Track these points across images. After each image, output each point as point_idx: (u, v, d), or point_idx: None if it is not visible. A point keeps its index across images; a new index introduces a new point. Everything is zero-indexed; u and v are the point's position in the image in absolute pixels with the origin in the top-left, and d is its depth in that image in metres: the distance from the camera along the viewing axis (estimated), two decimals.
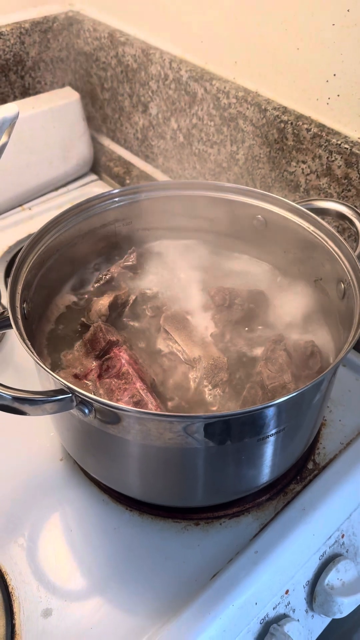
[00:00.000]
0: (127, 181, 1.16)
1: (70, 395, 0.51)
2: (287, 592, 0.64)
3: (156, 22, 1.00)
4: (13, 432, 0.74)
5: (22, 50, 1.10)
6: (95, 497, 0.68)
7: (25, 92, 1.16)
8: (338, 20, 0.74)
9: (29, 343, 0.54)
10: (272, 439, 0.55)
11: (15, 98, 1.15)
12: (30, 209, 1.12)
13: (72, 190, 1.17)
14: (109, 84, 1.13)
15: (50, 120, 1.09)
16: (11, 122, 0.57)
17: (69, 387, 0.51)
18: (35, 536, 0.65)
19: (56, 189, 1.16)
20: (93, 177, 1.22)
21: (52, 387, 0.53)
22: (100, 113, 1.21)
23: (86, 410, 0.52)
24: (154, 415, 0.51)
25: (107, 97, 1.16)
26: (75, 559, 0.63)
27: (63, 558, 0.63)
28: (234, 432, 0.52)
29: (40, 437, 0.73)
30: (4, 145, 0.60)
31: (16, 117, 0.57)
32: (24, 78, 1.14)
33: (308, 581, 0.66)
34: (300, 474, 0.70)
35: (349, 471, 0.70)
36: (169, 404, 0.63)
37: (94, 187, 1.19)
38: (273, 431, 0.54)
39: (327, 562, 0.67)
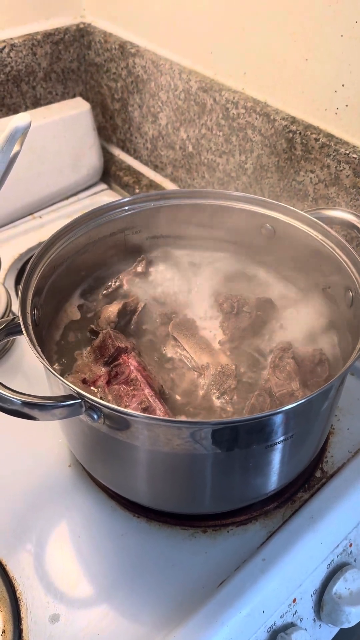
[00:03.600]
0: (137, 190, 1.17)
1: (80, 400, 0.52)
2: (294, 600, 0.63)
3: (166, 34, 1.01)
4: (22, 439, 0.74)
5: (33, 61, 1.12)
6: (103, 504, 0.68)
7: (37, 103, 1.17)
8: (346, 32, 0.74)
9: (39, 349, 0.55)
10: (279, 446, 0.55)
11: (27, 108, 1.16)
12: (40, 217, 1.13)
13: (82, 199, 1.18)
14: (119, 95, 1.15)
15: (61, 130, 1.10)
16: (23, 132, 0.58)
17: (78, 393, 0.51)
18: (43, 542, 0.65)
19: (66, 198, 1.17)
20: (103, 186, 1.23)
21: (62, 393, 0.54)
22: (110, 123, 1.23)
23: (95, 416, 0.52)
24: (162, 421, 0.52)
25: (117, 108, 1.18)
26: (83, 565, 0.64)
27: (70, 564, 0.64)
28: (241, 439, 0.52)
29: (49, 443, 0.74)
30: (16, 154, 0.61)
31: (28, 126, 0.58)
32: (36, 88, 1.16)
33: (316, 590, 0.66)
34: (308, 482, 0.70)
35: (358, 480, 0.69)
36: (177, 410, 0.63)
37: (104, 197, 1.20)
38: (281, 438, 0.54)
39: (335, 571, 0.67)
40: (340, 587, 0.66)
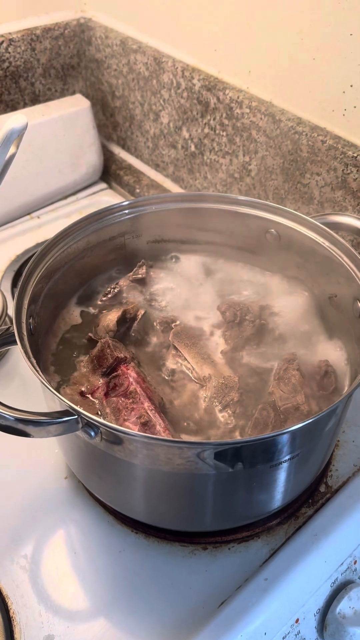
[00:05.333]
0: (137, 190, 1.15)
1: (76, 417, 0.49)
2: (297, 621, 0.61)
3: (169, 30, 0.99)
4: (17, 448, 0.72)
5: (32, 57, 1.09)
6: (100, 518, 0.66)
7: (36, 99, 1.15)
8: (356, 30, 0.72)
9: (34, 361, 0.53)
10: (285, 465, 0.53)
11: (25, 105, 1.13)
12: (38, 217, 1.10)
13: (82, 199, 1.16)
14: (120, 92, 1.12)
15: (60, 128, 1.08)
16: (19, 134, 0.56)
17: (74, 409, 0.49)
18: (37, 558, 0.63)
19: (65, 197, 1.15)
20: (103, 185, 1.20)
21: (58, 407, 0.51)
22: (110, 121, 1.20)
23: (92, 433, 0.50)
24: (163, 441, 0.49)
25: (118, 105, 1.15)
26: (79, 583, 0.61)
27: (66, 581, 0.61)
28: (245, 459, 0.50)
29: (44, 453, 0.72)
30: (12, 156, 0.58)
31: (25, 128, 0.56)
32: (35, 85, 1.13)
33: (319, 609, 0.64)
34: (312, 497, 0.67)
35: None
36: (178, 424, 0.61)
37: (104, 196, 1.17)
38: (287, 457, 0.52)
39: (339, 590, 0.65)
40: (344, 606, 0.64)
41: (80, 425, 0.50)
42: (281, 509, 0.65)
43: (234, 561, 0.62)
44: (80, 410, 0.48)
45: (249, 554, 0.63)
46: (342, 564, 0.64)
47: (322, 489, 0.69)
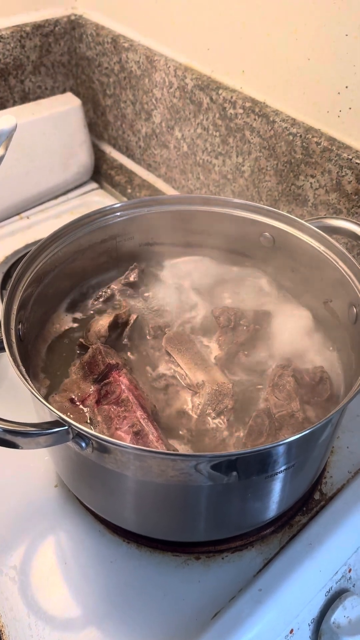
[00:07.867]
0: (129, 190, 1.13)
1: (67, 427, 0.48)
2: (291, 631, 0.60)
3: (161, 28, 0.97)
4: (4, 455, 0.70)
5: (22, 54, 1.07)
6: (91, 528, 0.64)
7: (25, 97, 1.13)
8: (352, 31, 0.71)
9: (23, 370, 0.51)
10: (280, 475, 0.52)
11: (15, 103, 1.12)
12: (28, 217, 1.09)
13: (72, 199, 1.14)
14: (112, 91, 1.10)
15: (50, 127, 1.06)
16: (8, 135, 0.54)
17: (64, 420, 0.48)
18: (27, 568, 0.62)
19: (55, 197, 1.13)
20: (94, 185, 1.18)
21: (48, 416, 0.50)
22: (102, 120, 1.18)
23: (83, 444, 0.49)
24: (157, 454, 0.48)
25: (109, 104, 1.13)
26: (70, 594, 0.60)
27: (57, 592, 0.60)
28: (241, 470, 0.49)
29: (34, 461, 0.70)
30: (1, 158, 0.57)
31: (14, 129, 0.54)
32: (24, 83, 1.11)
33: (313, 619, 0.63)
34: (306, 505, 0.67)
35: (358, 502, 0.66)
36: (171, 433, 0.59)
37: (95, 196, 1.16)
38: (282, 468, 0.51)
39: (334, 599, 0.64)
40: (338, 615, 0.63)
41: (70, 436, 0.49)
42: (275, 518, 0.64)
43: (228, 571, 0.61)
44: (71, 421, 0.47)
45: (242, 564, 0.62)
46: (336, 572, 0.63)
47: (317, 496, 0.68)
